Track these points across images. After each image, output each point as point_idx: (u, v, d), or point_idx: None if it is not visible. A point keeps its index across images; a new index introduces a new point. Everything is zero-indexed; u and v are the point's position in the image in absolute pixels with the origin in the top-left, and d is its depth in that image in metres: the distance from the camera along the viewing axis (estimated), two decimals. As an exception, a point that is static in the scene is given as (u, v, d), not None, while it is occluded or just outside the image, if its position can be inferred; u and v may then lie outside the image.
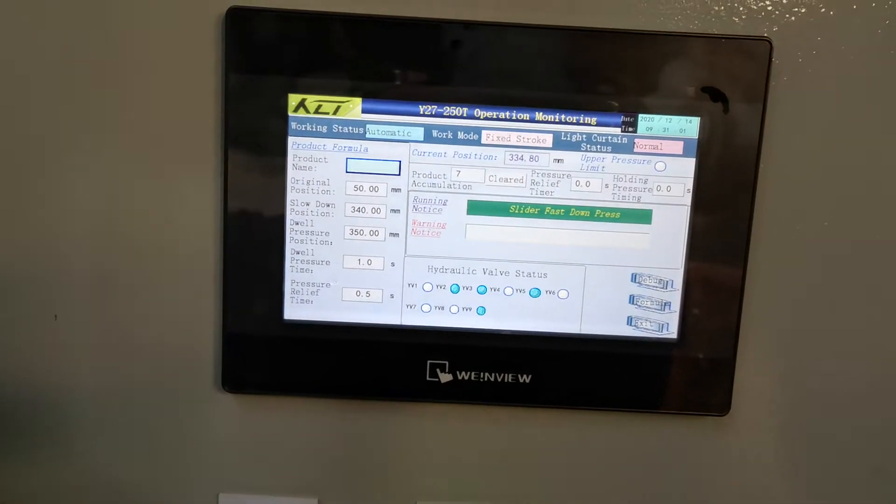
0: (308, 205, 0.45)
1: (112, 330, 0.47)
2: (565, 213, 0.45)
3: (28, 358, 0.48)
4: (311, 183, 0.45)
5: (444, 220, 0.45)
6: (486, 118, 0.44)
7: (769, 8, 0.44)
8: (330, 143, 0.45)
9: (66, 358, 0.48)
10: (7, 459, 0.49)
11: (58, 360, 0.48)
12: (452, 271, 0.46)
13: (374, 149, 0.45)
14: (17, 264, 0.47)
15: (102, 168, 0.46)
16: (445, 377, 0.47)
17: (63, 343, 0.47)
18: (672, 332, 0.47)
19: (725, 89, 0.44)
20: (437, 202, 0.45)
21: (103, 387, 0.48)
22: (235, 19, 0.43)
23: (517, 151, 0.45)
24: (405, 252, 0.46)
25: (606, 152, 0.45)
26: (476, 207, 0.45)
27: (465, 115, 0.44)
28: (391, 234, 0.46)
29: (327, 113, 0.44)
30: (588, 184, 0.45)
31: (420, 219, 0.45)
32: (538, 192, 0.45)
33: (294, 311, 0.46)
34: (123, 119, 0.45)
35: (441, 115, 0.44)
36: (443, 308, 0.46)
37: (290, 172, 0.45)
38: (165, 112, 0.45)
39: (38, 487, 0.49)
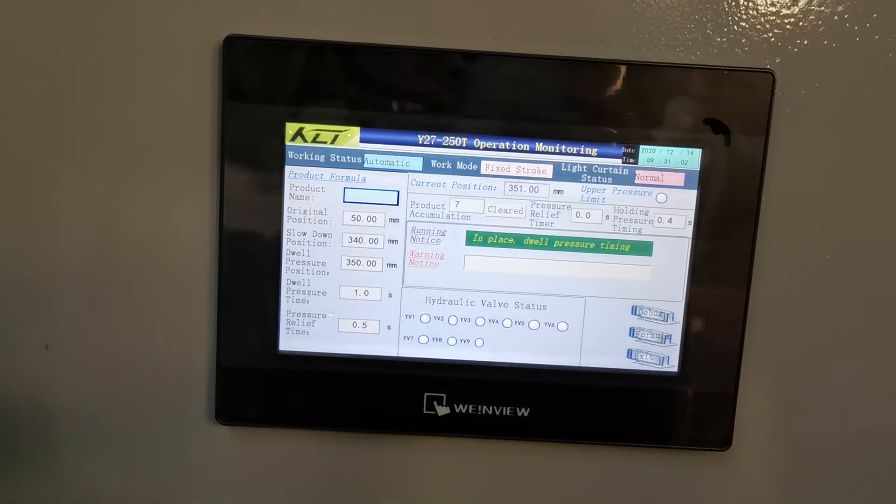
0: (305, 234, 0.45)
1: (104, 359, 0.46)
2: (565, 244, 0.45)
3: (19, 384, 0.47)
4: (308, 212, 0.44)
5: (442, 251, 0.45)
6: (485, 148, 0.44)
7: (772, 39, 0.44)
8: (328, 172, 0.44)
9: (58, 386, 0.47)
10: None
11: (49, 388, 0.47)
12: (450, 303, 0.45)
13: (373, 178, 0.44)
14: (8, 288, 0.46)
15: (96, 196, 0.45)
16: (443, 410, 0.46)
17: (54, 370, 0.47)
18: (673, 366, 0.46)
19: (727, 121, 0.44)
20: (435, 233, 0.45)
21: (93, 416, 0.47)
22: (233, 47, 0.43)
23: (517, 182, 0.44)
24: (403, 283, 0.45)
25: (607, 183, 0.44)
26: (475, 238, 0.45)
27: (464, 144, 0.44)
28: (389, 265, 0.45)
29: (325, 142, 0.44)
30: (588, 215, 0.44)
31: (418, 249, 0.45)
32: (538, 224, 0.45)
33: (289, 342, 0.46)
34: (119, 146, 0.44)
35: (440, 145, 0.44)
36: (440, 340, 0.46)
37: (287, 202, 0.44)
38: (161, 140, 0.44)
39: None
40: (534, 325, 0.46)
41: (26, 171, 0.45)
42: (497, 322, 0.46)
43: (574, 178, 0.44)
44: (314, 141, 0.44)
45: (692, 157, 0.44)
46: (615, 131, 0.44)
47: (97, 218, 0.45)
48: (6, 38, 0.43)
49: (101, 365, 0.47)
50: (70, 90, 0.44)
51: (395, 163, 0.44)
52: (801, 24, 0.44)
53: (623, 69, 0.43)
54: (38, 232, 0.45)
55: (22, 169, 0.45)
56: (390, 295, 0.45)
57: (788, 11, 0.44)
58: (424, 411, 0.46)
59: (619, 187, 0.44)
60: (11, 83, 0.44)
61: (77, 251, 0.45)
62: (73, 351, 0.46)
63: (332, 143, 0.44)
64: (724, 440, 0.47)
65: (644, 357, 0.46)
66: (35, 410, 0.47)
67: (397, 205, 0.44)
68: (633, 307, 0.45)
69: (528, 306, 0.45)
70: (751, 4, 0.44)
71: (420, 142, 0.44)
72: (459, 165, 0.44)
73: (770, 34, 0.44)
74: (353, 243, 0.45)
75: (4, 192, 0.45)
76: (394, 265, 0.45)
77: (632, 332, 0.46)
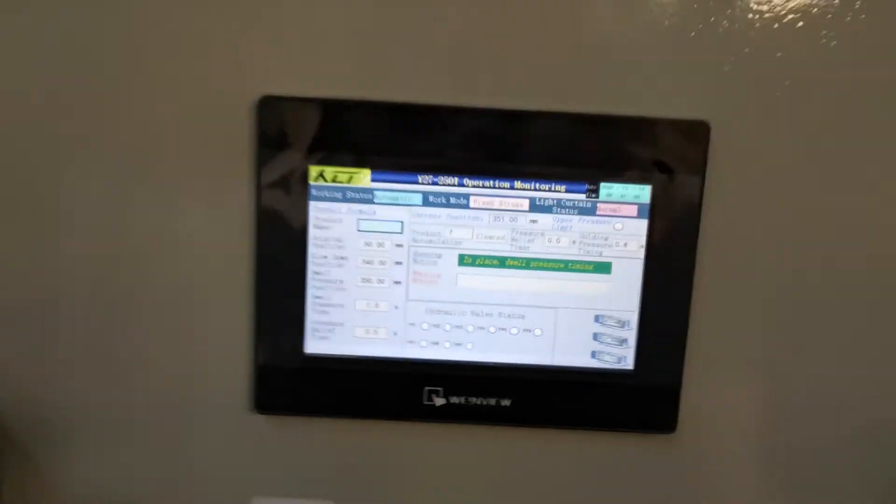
0: (326, 257, 0.54)
1: (158, 359, 0.56)
2: (540, 265, 0.54)
3: (78, 379, 0.57)
4: (328, 240, 0.54)
5: (439, 271, 0.55)
6: (473, 186, 0.53)
7: (710, 91, 0.53)
8: (344, 206, 0.54)
9: (123, 381, 0.57)
10: (44, 477, 0.58)
11: (114, 383, 0.57)
12: (446, 313, 0.55)
13: (381, 211, 0.54)
14: (59, 293, 0.56)
15: (161, 216, 0.55)
16: (440, 401, 0.56)
17: (116, 368, 0.56)
18: (629, 364, 0.56)
19: (672, 163, 0.53)
20: (433, 256, 0.54)
21: (149, 407, 0.57)
22: (267, 104, 0.53)
23: (499, 214, 0.54)
24: (407, 297, 0.55)
25: (574, 214, 0.54)
26: (465, 260, 0.54)
27: (456, 183, 0.53)
28: (395, 282, 0.55)
29: (342, 182, 0.54)
30: (559, 241, 0.54)
31: (419, 269, 0.55)
32: (517, 248, 0.54)
33: (314, 345, 0.55)
34: (178, 179, 0.54)
35: (436, 184, 0.53)
36: (437, 343, 0.55)
37: (312, 231, 0.54)
38: (210, 177, 0.54)
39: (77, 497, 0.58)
40: (514, 330, 0.55)
41: (109, 196, 0.54)
42: (484, 329, 0.55)
43: (546, 210, 0.54)
44: (333, 181, 0.54)
45: (643, 193, 0.54)
46: (579, 171, 0.53)
47: (155, 233, 0.55)
48: (78, 79, 0.53)
49: (154, 364, 0.56)
50: (136, 139, 0.54)
51: (400, 198, 0.54)
52: (735, 77, 0.53)
53: (584, 120, 0.53)
54: (114, 243, 0.55)
55: (104, 195, 0.54)
56: (396, 307, 0.55)
57: (727, 68, 0.53)
58: (424, 402, 0.56)
59: (584, 217, 0.54)
60: (58, 122, 0.54)
61: (142, 263, 0.55)
62: (135, 351, 0.56)
63: (348, 182, 0.54)
64: (670, 426, 0.56)
65: (605, 357, 0.56)
66: (91, 402, 0.57)
67: (402, 233, 0.54)
68: (595, 316, 0.55)
69: (509, 315, 0.55)
70: (693, 60, 0.53)
71: (420, 181, 0.53)
72: (452, 200, 0.54)
73: (709, 88, 0.53)
74: (366, 265, 0.55)
75: (86, 209, 0.55)
76: (399, 282, 0.55)
77: (595, 336, 0.55)
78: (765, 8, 0.52)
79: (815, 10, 0.52)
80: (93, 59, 0.52)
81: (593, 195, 0.54)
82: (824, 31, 0.52)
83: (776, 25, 0.52)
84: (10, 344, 0.56)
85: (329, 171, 0.53)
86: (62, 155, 0.54)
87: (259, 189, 0.54)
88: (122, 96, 0.53)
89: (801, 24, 0.52)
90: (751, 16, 0.52)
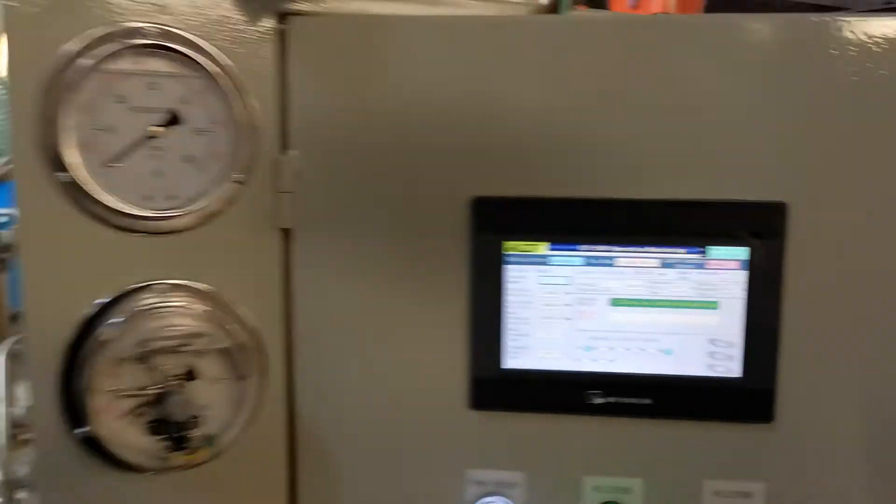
0: (517, 303, 0.80)
1: (398, 377, 0.83)
2: (667, 304, 0.78)
3: (358, 395, 0.84)
4: (518, 291, 0.80)
5: (595, 310, 0.79)
6: (619, 252, 0.78)
7: (787, 178, 0.75)
8: (529, 267, 0.79)
9: (386, 393, 0.84)
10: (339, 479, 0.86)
11: (376, 398, 0.84)
12: (602, 339, 0.79)
13: (555, 270, 0.79)
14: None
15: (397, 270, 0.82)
16: (599, 401, 0.80)
17: (381, 384, 0.84)
18: (737, 373, 0.78)
19: (762, 231, 0.75)
20: (591, 300, 0.79)
21: (402, 410, 0.84)
22: (477, 202, 0.79)
23: (638, 269, 0.78)
24: (574, 328, 0.80)
25: (692, 269, 0.77)
26: (615, 302, 0.79)
27: (606, 250, 0.78)
28: (566, 318, 0.79)
29: (527, 251, 0.79)
30: (681, 287, 0.77)
31: (582, 309, 0.79)
32: (651, 293, 0.78)
33: (510, 362, 0.81)
34: (415, 240, 0.81)
35: (593, 251, 0.78)
36: (596, 360, 0.80)
37: (507, 284, 0.80)
38: (432, 250, 0.81)
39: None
40: (651, 350, 0.79)
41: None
42: (629, 349, 0.79)
43: (671, 266, 0.77)
44: (522, 251, 0.79)
45: (742, 252, 0.76)
46: (694, 238, 0.77)
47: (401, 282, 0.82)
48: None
49: (401, 378, 0.83)
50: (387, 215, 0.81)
51: (568, 261, 0.79)
52: (808, 167, 0.75)
53: (697, 205, 0.76)
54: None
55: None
56: (567, 335, 0.80)
57: (802, 156, 0.75)
58: (587, 402, 0.80)
59: (699, 270, 0.77)
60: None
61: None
62: (390, 371, 0.83)
63: (532, 251, 0.79)
64: (769, 417, 0.78)
65: (718, 368, 0.78)
66: (374, 417, 0.84)
67: (570, 285, 0.79)
68: (710, 339, 0.78)
69: (647, 340, 0.79)
70: (774, 154, 0.75)
71: (581, 249, 0.78)
72: (604, 261, 0.78)
73: (785, 173, 0.75)
74: (545, 306, 0.80)
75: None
76: (569, 318, 0.79)
77: (710, 353, 0.78)
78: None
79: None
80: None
81: (704, 255, 0.77)
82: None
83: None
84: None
85: (520, 244, 0.79)
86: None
87: (473, 256, 0.80)
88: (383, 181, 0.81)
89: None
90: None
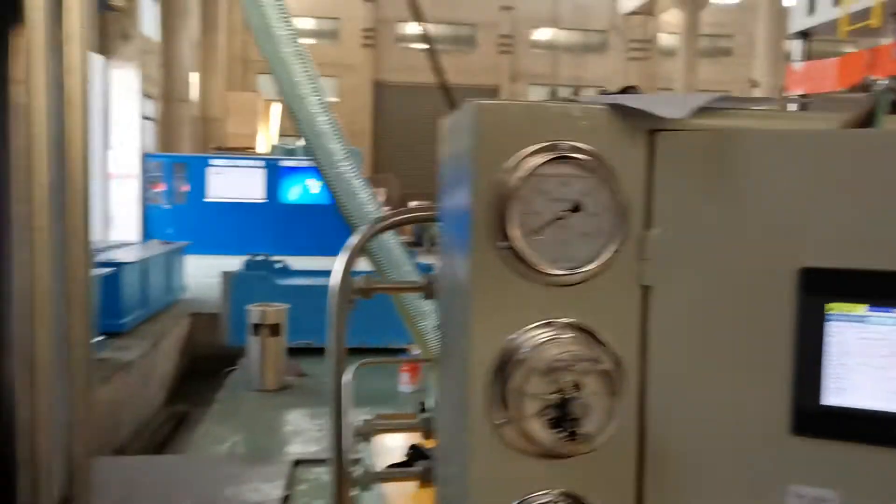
0: (837, 353, 0.99)
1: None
2: (979, 362, 0.93)
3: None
4: (839, 343, 0.99)
5: (910, 362, 0.96)
6: (932, 315, 0.95)
7: None
8: (851, 324, 0.99)
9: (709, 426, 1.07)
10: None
11: (700, 429, 1.07)
12: (915, 387, 0.96)
13: (873, 328, 0.98)
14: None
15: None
16: (912, 437, 0.97)
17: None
18: None
19: None
20: (906, 353, 0.97)
21: (715, 439, 1.06)
22: (807, 273, 1.00)
23: (950, 331, 0.94)
24: (886, 376, 0.97)
25: None
26: (928, 357, 0.96)
27: (920, 313, 0.95)
28: (880, 368, 0.97)
29: (847, 311, 0.99)
30: None
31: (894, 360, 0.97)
32: (962, 351, 0.94)
33: (828, 399, 1.00)
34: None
35: None
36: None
37: (828, 338, 1.00)
38: (761, 308, 1.03)
39: None
40: (961, 399, 0.94)
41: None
42: (940, 397, 0.95)
43: (982, 330, 0.93)
44: (845, 311, 0.99)
45: None
46: None
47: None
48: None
49: (730, 407, 1.06)
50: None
51: (884, 321, 0.97)
52: None
53: None
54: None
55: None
56: (879, 382, 0.97)
57: None
58: (892, 436, 0.97)
59: None
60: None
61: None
62: (718, 401, 1.06)
63: (852, 312, 0.98)
64: None
65: None
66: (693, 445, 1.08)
67: (885, 339, 0.97)
68: None
69: (958, 390, 0.94)
70: None
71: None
72: None
73: None
74: (860, 356, 0.98)
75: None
76: (882, 368, 0.97)
77: None
78: None
79: None
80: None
81: None
82: None
83: None
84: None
85: (843, 306, 0.99)
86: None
87: (800, 315, 1.01)
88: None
89: None
90: None
